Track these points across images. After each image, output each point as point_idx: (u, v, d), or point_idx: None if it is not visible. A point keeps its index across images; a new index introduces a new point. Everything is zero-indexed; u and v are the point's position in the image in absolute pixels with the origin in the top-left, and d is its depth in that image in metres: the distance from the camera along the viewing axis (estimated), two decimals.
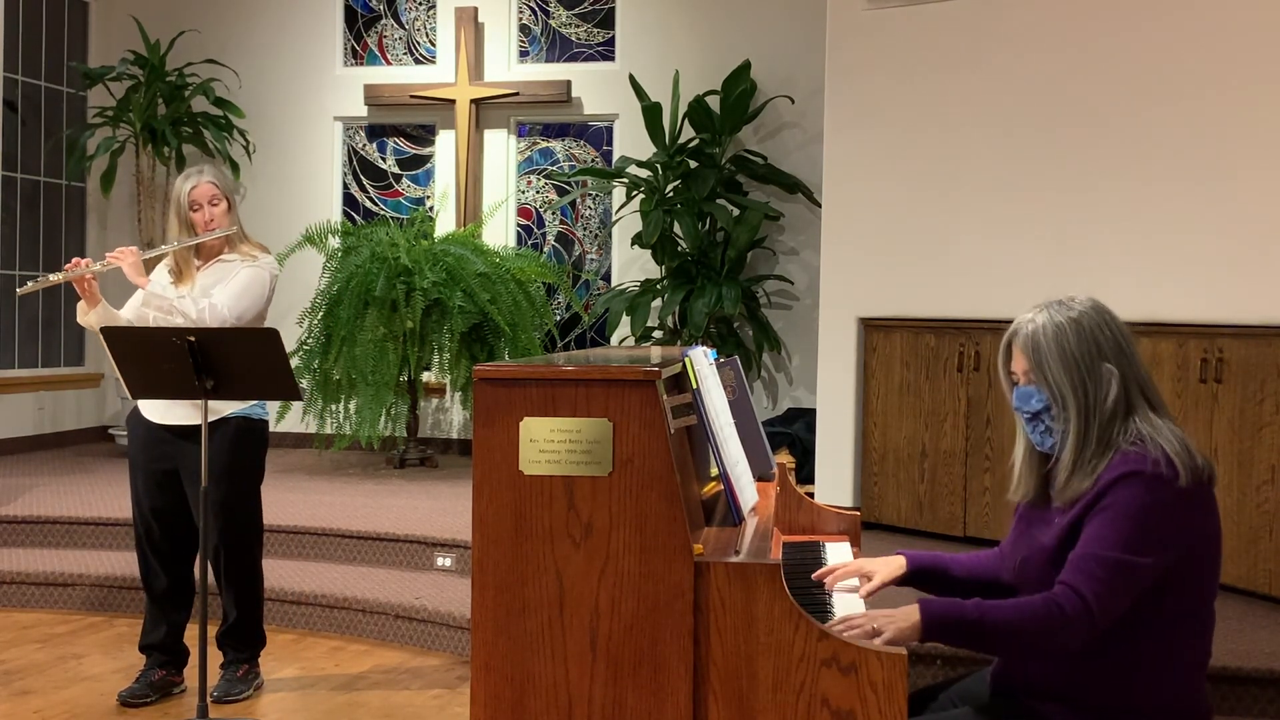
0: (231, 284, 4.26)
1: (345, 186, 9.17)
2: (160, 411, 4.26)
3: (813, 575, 2.66)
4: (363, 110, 9.02)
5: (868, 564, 2.66)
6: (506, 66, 8.86)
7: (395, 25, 9.13)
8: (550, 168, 8.94)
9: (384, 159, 9.17)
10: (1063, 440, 2.38)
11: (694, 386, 2.53)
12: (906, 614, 2.33)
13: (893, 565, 2.66)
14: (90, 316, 4.26)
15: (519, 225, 8.97)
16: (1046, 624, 2.25)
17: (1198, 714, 2.36)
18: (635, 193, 8.07)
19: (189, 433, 4.20)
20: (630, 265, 8.60)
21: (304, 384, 7.58)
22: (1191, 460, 2.29)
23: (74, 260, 4.24)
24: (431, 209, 8.87)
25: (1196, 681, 2.37)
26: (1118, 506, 2.26)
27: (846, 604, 2.57)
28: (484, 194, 8.85)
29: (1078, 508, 2.33)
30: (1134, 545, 2.24)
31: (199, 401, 3.94)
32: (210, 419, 4.13)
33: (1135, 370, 2.38)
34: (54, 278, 4.17)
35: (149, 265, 4.32)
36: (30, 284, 4.22)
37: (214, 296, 4.22)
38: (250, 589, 4.42)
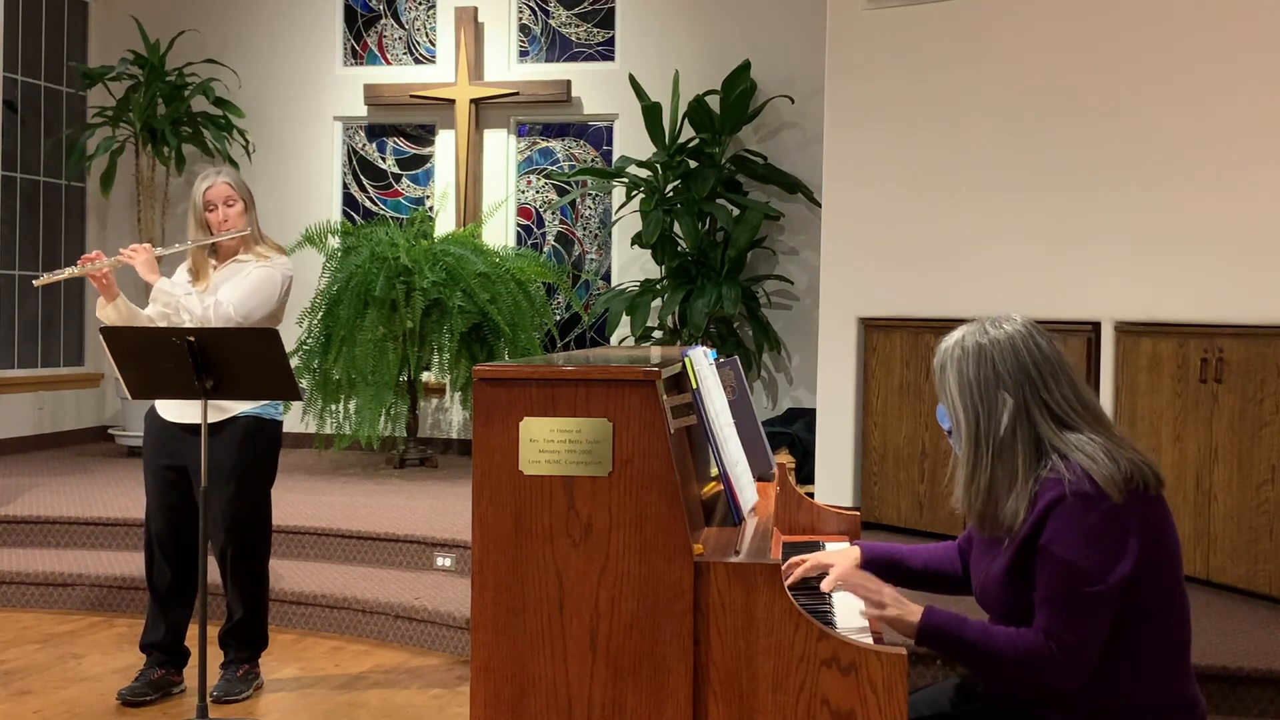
0: (241, 283, 4.27)
1: (345, 186, 9.17)
2: (174, 409, 4.28)
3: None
4: (362, 110, 9.02)
5: (825, 557, 2.67)
6: (506, 66, 8.86)
7: (395, 25, 9.13)
8: (550, 168, 8.94)
9: (384, 159, 9.16)
10: (960, 461, 2.43)
11: (694, 386, 2.52)
12: (913, 610, 2.38)
13: (848, 557, 2.67)
14: (109, 310, 4.29)
15: (519, 225, 8.97)
16: (1039, 662, 2.27)
17: (1187, 699, 2.37)
18: (635, 193, 8.07)
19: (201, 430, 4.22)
20: (630, 265, 8.59)
21: (304, 384, 7.57)
22: (1118, 472, 2.29)
23: (90, 254, 4.28)
24: (431, 209, 8.87)
25: (1182, 668, 2.38)
26: (1059, 541, 2.27)
27: (846, 603, 2.57)
28: (484, 194, 8.85)
29: (1018, 539, 2.34)
30: (1090, 575, 2.25)
31: (215, 400, 3.96)
32: (220, 417, 4.17)
33: (1046, 395, 2.36)
34: (69, 271, 4.22)
35: (163, 264, 4.34)
36: (45, 276, 4.26)
37: (220, 294, 4.24)
38: (256, 589, 4.42)
